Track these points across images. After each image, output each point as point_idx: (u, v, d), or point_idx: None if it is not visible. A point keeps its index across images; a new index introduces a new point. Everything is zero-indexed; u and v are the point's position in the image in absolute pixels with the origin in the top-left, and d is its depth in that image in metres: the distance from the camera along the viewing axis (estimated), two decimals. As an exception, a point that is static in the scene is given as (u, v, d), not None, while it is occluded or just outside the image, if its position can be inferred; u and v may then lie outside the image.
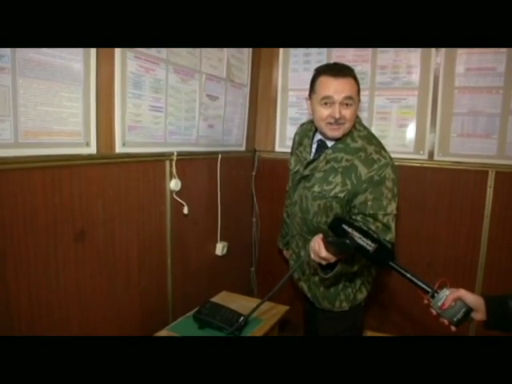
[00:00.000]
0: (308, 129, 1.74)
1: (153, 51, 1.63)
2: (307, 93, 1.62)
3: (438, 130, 2.14)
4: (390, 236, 1.47)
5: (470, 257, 2.12)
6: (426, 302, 1.13)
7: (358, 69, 2.25)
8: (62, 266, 1.36)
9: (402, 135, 2.22)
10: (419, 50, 2.14)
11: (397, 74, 2.21)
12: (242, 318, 1.68)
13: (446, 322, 1.11)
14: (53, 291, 1.34)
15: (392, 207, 1.49)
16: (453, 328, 1.10)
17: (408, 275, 1.17)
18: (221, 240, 2.21)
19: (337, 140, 1.57)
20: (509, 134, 2.02)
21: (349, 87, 1.49)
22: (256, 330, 1.71)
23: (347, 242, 1.22)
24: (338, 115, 1.47)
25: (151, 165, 1.71)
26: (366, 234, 1.22)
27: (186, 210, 1.87)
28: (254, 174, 2.54)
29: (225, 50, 2.10)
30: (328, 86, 1.49)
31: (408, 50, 2.17)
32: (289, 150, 1.92)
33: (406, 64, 2.18)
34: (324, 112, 1.51)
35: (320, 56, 2.35)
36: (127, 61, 1.51)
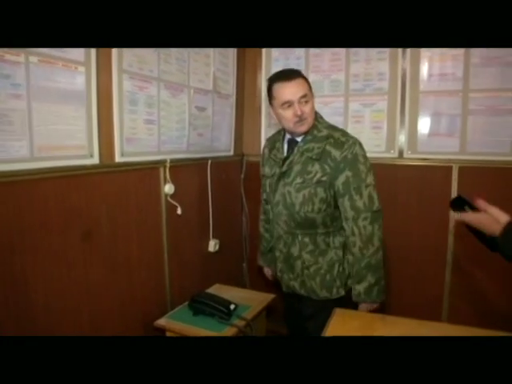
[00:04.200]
0: (276, 138, 1.93)
1: (146, 71, 1.84)
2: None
3: (407, 130, 2.36)
4: (376, 206, 1.69)
5: (440, 245, 2.33)
6: None
7: (333, 77, 2.49)
8: (72, 262, 1.56)
9: (375, 136, 2.43)
10: (388, 58, 2.36)
11: (368, 81, 2.43)
12: (231, 305, 1.89)
13: None
14: (64, 284, 1.54)
15: (370, 179, 1.70)
16: None
17: None
18: (213, 237, 2.41)
19: (304, 134, 1.76)
20: (469, 132, 2.23)
21: (302, 87, 1.69)
22: (244, 315, 1.91)
23: None
24: (299, 112, 1.67)
25: (147, 171, 1.92)
26: None
27: (179, 211, 2.08)
28: (242, 176, 2.76)
29: (211, 64, 2.31)
30: (284, 90, 1.69)
31: (377, 58, 2.39)
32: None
33: (376, 72, 2.40)
34: (288, 113, 1.70)
35: (299, 67, 2.56)
36: (123, 81, 1.72)
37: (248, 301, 2.06)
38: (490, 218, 1.11)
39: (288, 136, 1.84)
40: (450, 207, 1.34)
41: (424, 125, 2.33)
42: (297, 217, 1.77)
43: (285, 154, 1.84)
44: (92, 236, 1.64)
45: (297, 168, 1.75)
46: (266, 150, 1.97)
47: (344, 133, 1.77)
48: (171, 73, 2.00)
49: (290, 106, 1.69)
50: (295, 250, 1.82)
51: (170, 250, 2.06)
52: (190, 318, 1.90)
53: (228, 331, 1.79)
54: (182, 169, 2.13)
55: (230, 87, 2.56)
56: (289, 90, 1.68)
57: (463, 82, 2.22)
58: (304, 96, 1.68)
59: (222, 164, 2.52)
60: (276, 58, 2.65)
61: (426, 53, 2.29)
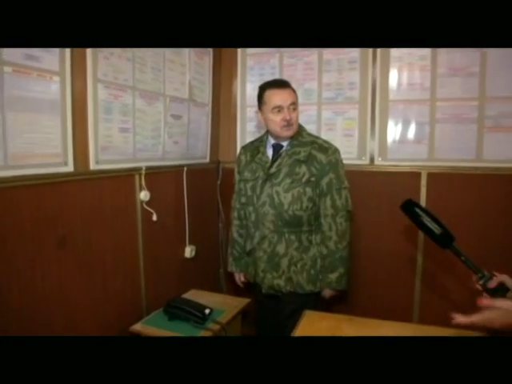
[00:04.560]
0: (257, 144, 2.08)
1: (120, 80, 1.87)
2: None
3: (377, 137, 2.44)
4: (350, 206, 1.98)
5: (410, 249, 2.40)
6: (474, 279, 1.36)
7: (306, 86, 2.56)
8: (47, 268, 1.57)
9: (347, 143, 2.50)
10: (358, 68, 2.44)
11: (340, 90, 2.50)
12: (206, 310, 1.93)
13: (487, 297, 1.31)
14: (39, 291, 1.55)
15: (346, 182, 1.99)
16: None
17: (463, 258, 1.37)
18: (189, 244, 2.44)
19: (290, 139, 1.95)
20: (436, 139, 2.32)
21: (291, 95, 1.91)
22: (219, 319, 1.94)
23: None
24: (288, 117, 1.88)
25: (122, 179, 1.94)
26: (434, 218, 1.41)
27: (155, 218, 2.10)
28: (218, 183, 2.80)
29: (186, 73, 2.36)
30: (276, 96, 1.90)
31: (349, 68, 2.47)
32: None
33: (348, 81, 2.48)
34: (277, 118, 1.89)
35: (274, 76, 2.62)
36: (98, 90, 1.75)
37: (223, 305, 2.10)
38: (499, 311, 1.12)
39: (272, 141, 2.00)
40: (402, 210, 1.49)
41: (394, 132, 2.41)
42: (285, 215, 1.92)
43: (270, 157, 1.98)
44: (67, 243, 1.65)
45: (285, 170, 1.92)
46: (243, 157, 2.10)
47: (325, 140, 2.02)
48: (146, 82, 2.04)
49: (279, 111, 1.89)
50: (281, 248, 1.95)
51: (145, 256, 2.09)
52: (166, 322, 1.92)
53: (203, 335, 1.82)
54: (157, 176, 2.16)
55: (206, 95, 2.60)
56: (280, 97, 1.89)
57: (430, 91, 2.31)
58: (293, 104, 1.89)
59: (198, 171, 2.56)
60: (251, 67, 2.71)
61: (395, 63, 2.38)
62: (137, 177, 2.01)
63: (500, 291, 1.32)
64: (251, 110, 2.69)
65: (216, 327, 1.88)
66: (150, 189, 2.06)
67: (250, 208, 2.03)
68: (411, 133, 2.38)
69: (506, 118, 2.19)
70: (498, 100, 2.20)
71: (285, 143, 1.98)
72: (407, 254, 2.41)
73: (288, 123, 1.88)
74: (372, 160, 2.46)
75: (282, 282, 1.96)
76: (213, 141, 2.72)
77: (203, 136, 2.61)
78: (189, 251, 2.43)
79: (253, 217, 2.02)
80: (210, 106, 2.65)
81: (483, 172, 2.24)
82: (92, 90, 1.72)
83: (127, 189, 1.98)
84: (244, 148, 2.18)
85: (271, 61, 2.65)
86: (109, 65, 1.80)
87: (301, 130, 2.00)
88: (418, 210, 1.44)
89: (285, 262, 1.95)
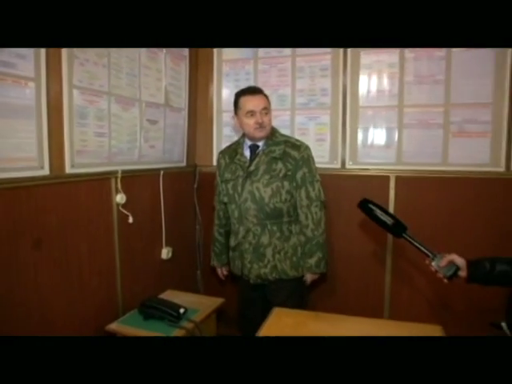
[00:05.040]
0: (235, 147, 2.22)
1: (96, 86, 1.92)
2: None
3: (348, 142, 2.53)
4: (322, 197, 2.15)
5: (379, 249, 2.49)
6: (427, 262, 1.55)
7: (280, 92, 2.64)
8: (23, 270, 1.61)
9: (320, 148, 2.59)
10: (329, 75, 2.53)
11: (312, 96, 2.59)
12: (181, 309, 1.98)
13: (441, 275, 1.52)
14: (14, 291, 1.58)
15: (318, 176, 2.17)
16: (445, 281, 1.52)
17: (416, 243, 1.58)
18: (166, 245, 2.50)
19: (265, 140, 2.12)
20: (404, 144, 2.43)
21: (263, 101, 2.08)
22: (193, 318, 1.99)
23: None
24: (260, 120, 2.05)
25: (98, 182, 1.99)
26: (385, 211, 1.66)
27: (131, 220, 2.15)
28: (195, 186, 2.85)
29: (162, 79, 2.41)
30: (249, 102, 2.07)
31: (321, 75, 2.56)
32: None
33: (320, 88, 2.57)
34: (251, 121, 2.07)
35: (248, 81, 2.70)
36: (74, 96, 1.80)
37: (198, 305, 2.16)
38: None
39: (249, 143, 2.15)
40: (359, 208, 1.70)
41: (364, 137, 2.51)
42: (266, 208, 2.09)
43: (248, 157, 2.13)
44: (43, 244, 1.69)
45: (263, 167, 2.08)
46: (223, 161, 2.25)
47: (296, 139, 2.21)
48: (122, 87, 2.09)
49: (252, 115, 2.06)
50: (265, 239, 2.12)
51: (122, 257, 2.13)
52: (141, 322, 1.97)
53: (177, 333, 1.87)
54: (133, 179, 2.21)
55: (183, 101, 2.66)
56: (253, 103, 2.07)
57: (398, 97, 2.42)
58: (265, 108, 2.06)
59: (175, 174, 2.61)
60: (227, 73, 2.78)
61: (365, 70, 2.47)
62: (113, 180, 2.06)
63: (451, 269, 1.51)
64: (227, 115, 2.75)
65: (190, 326, 1.93)
66: (126, 192, 2.11)
67: (233, 206, 2.18)
68: (380, 138, 2.48)
69: (469, 124, 2.31)
70: (462, 106, 2.32)
71: (260, 143, 2.14)
72: (377, 253, 2.50)
73: (260, 126, 2.06)
74: (343, 164, 2.55)
75: (267, 271, 2.12)
76: (189, 145, 2.78)
77: (180, 140, 2.67)
78: (165, 253, 2.48)
79: (236, 213, 2.17)
80: (187, 110, 2.71)
81: (449, 175, 2.35)
82: (67, 95, 1.77)
83: (103, 192, 2.02)
84: (222, 152, 2.32)
85: (246, 67, 2.73)
86: (84, 71, 1.84)
87: (274, 131, 2.17)
88: (371, 206, 1.64)
89: (269, 252, 2.11)
